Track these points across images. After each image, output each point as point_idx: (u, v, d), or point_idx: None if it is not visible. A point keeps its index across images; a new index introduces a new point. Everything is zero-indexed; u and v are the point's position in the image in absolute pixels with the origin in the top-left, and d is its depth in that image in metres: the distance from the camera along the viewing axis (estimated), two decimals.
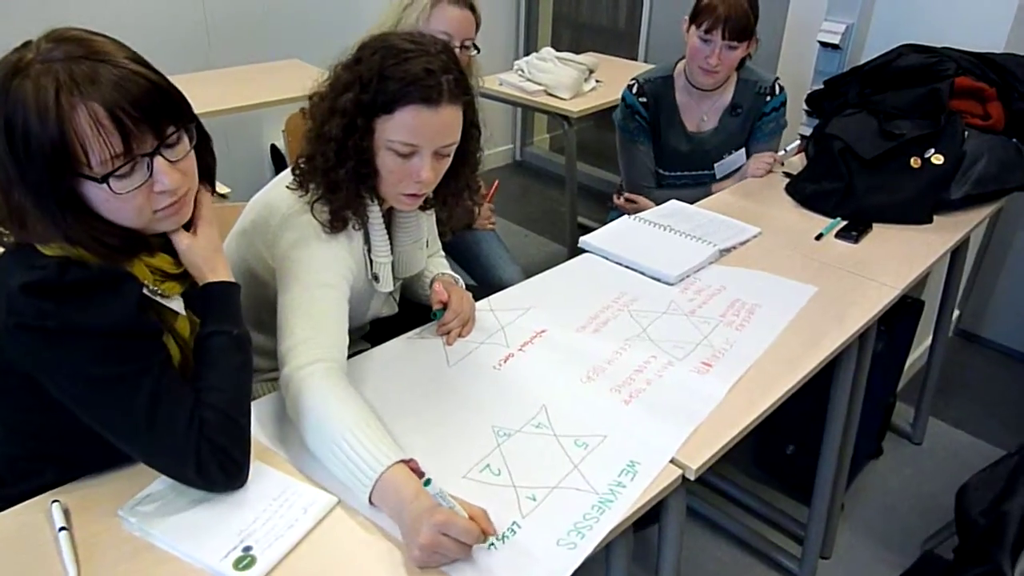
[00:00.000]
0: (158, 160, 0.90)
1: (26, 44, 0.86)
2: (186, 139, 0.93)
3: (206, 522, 0.94)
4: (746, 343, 1.35)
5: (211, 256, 1.03)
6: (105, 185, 0.86)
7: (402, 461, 0.96)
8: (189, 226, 1.01)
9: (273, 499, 0.98)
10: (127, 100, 0.84)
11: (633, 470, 1.06)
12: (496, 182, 2.19)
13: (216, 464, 0.94)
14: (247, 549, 0.91)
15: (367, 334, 1.53)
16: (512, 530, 0.96)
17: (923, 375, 2.38)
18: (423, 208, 1.36)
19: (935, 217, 1.86)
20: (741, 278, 1.58)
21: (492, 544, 0.94)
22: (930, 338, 2.41)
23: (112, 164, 0.85)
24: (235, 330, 1.01)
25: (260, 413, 1.14)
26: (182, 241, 1.00)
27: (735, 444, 1.15)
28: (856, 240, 1.75)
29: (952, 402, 2.54)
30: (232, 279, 1.05)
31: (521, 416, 1.16)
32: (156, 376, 0.92)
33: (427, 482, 0.91)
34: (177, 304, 1.03)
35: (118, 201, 0.88)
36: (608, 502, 1.01)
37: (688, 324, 1.41)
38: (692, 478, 1.08)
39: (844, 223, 1.82)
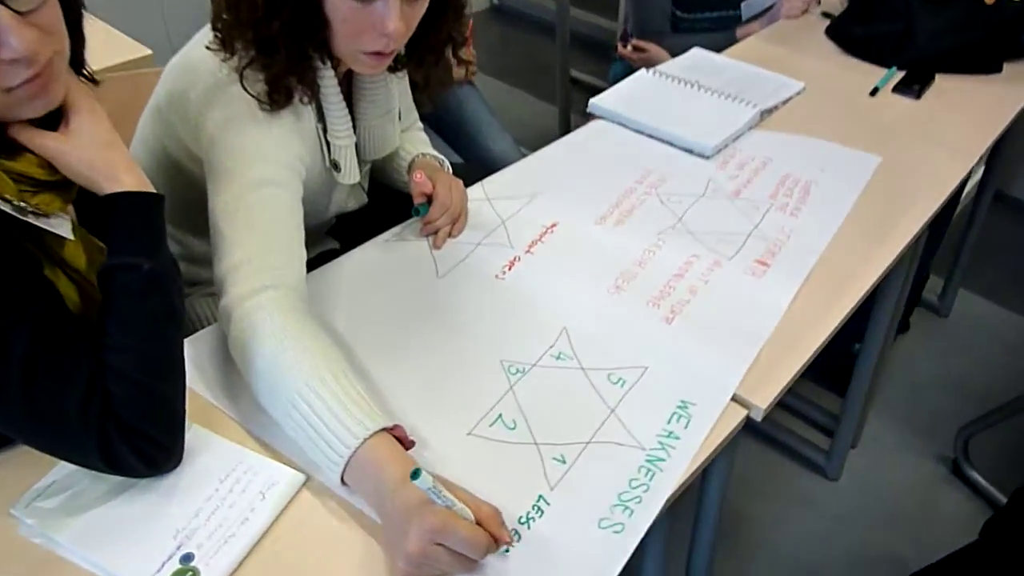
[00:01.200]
0: (1, 12, 0.59)
1: None
2: None
3: (130, 521, 0.70)
4: (805, 233, 1.09)
5: (101, 157, 0.72)
6: None
7: (384, 429, 0.71)
8: (55, 123, 0.70)
9: (220, 481, 0.74)
10: None
11: (686, 413, 0.83)
12: (469, 22, 1.83)
13: (129, 449, 0.68)
14: (187, 559, 0.67)
15: (332, 227, 1.24)
16: (538, 508, 0.73)
17: (956, 241, 2.15)
18: (392, 70, 1.04)
19: (1004, 65, 1.56)
20: (789, 147, 1.29)
21: (515, 532, 0.71)
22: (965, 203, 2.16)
23: None
24: (146, 263, 0.71)
25: (201, 351, 0.87)
26: (46, 143, 0.69)
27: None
28: (918, 95, 1.46)
29: (981, 271, 2.33)
30: (143, 185, 0.74)
31: (537, 344, 0.91)
32: (31, 333, 0.64)
33: (415, 473, 0.63)
34: (62, 226, 0.73)
35: None
36: (659, 460, 0.78)
37: (733, 210, 1.14)
38: (759, 419, 0.85)
39: (902, 74, 1.52)
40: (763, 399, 0.85)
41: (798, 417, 1.87)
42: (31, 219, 0.69)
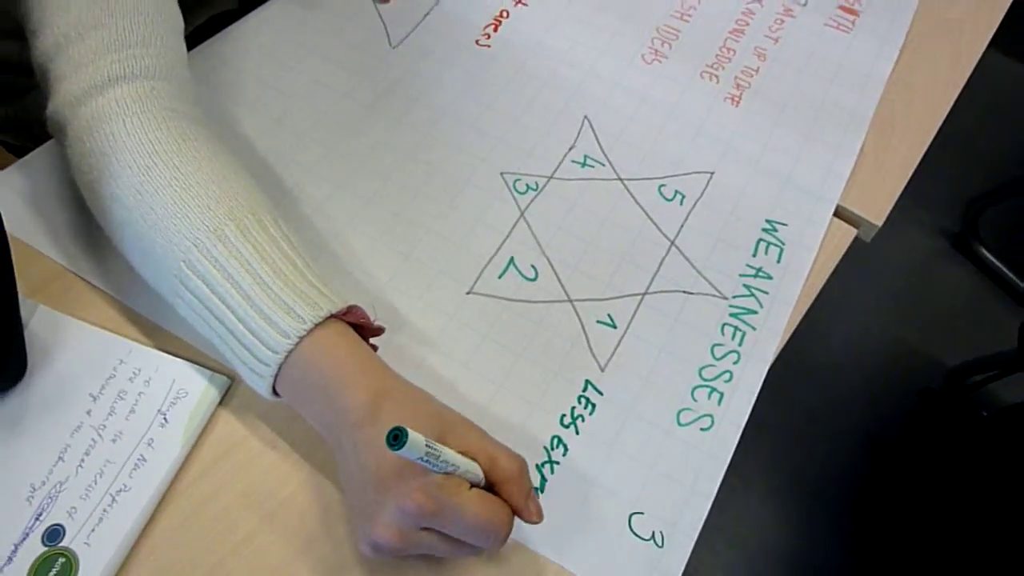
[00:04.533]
0: None
1: None
2: None
3: None
4: None
5: None
6: None
7: (334, 316, 0.43)
8: None
9: (93, 398, 0.47)
10: None
11: (777, 240, 0.58)
12: None
13: None
14: (54, 535, 0.42)
15: None
16: (588, 402, 0.50)
17: None
18: None
19: None
20: None
21: (558, 441, 0.48)
22: None
23: None
24: None
25: (35, 185, 0.56)
26: None
27: None
28: None
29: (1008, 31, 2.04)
30: None
31: (550, 146, 0.62)
32: None
33: (396, 438, 0.34)
34: None
35: None
36: (747, 313, 0.54)
37: None
38: (869, 239, 0.61)
39: None
40: (877, 212, 0.60)
41: None
42: None
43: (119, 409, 0.47)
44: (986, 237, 1.58)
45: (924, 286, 1.56)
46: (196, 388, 0.48)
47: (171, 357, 0.49)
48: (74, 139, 0.48)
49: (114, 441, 0.45)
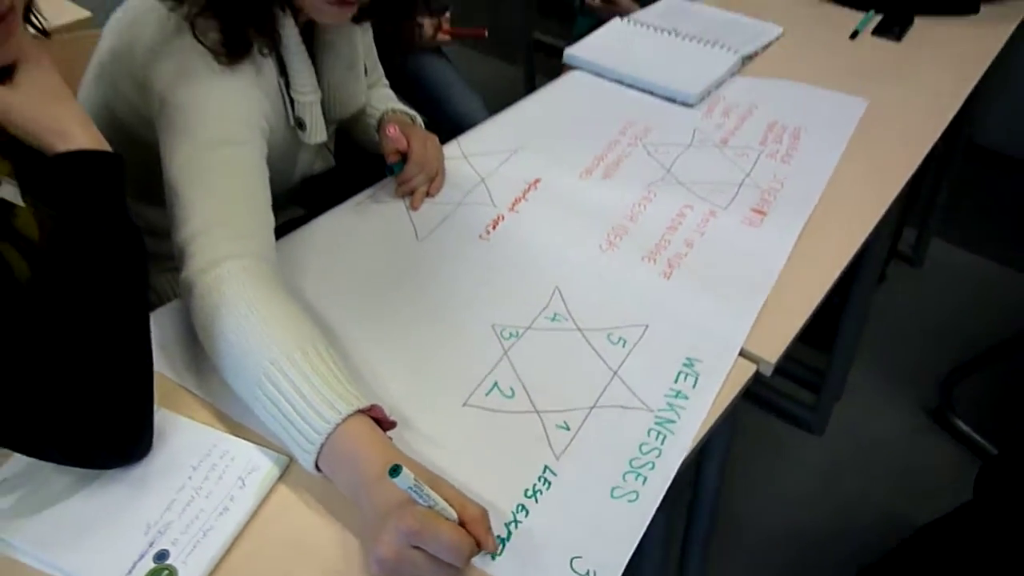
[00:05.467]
0: None
1: None
2: None
3: (96, 518, 0.63)
4: (799, 178, 1.05)
5: (53, 112, 0.63)
6: None
7: (361, 411, 0.64)
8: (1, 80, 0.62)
9: (194, 468, 0.67)
10: None
11: (693, 371, 0.78)
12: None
13: (92, 436, 0.61)
14: (161, 556, 0.61)
15: (297, 194, 1.16)
16: (545, 480, 0.68)
17: (928, 191, 2.14)
18: (356, 21, 0.95)
19: (981, 6, 1.53)
20: (773, 92, 1.24)
21: (521, 507, 0.66)
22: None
23: None
24: (104, 226, 0.63)
25: (164, 330, 0.80)
26: None
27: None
28: (899, 37, 1.42)
29: (953, 220, 2.33)
30: (98, 142, 0.65)
31: (529, 306, 0.85)
32: None
33: (394, 471, 0.54)
34: (10, 192, 0.65)
35: None
36: (669, 423, 0.73)
37: (722, 159, 1.08)
38: (769, 373, 0.81)
39: (880, 17, 1.47)
40: (772, 352, 0.80)
41: (781, 375, 1.85)
42: None
43: (211, 476, 0.66)
44: (962, 410, 1.73)
45: (906, 459, 1.68)
46: (264, 464, 0.67)
47: (247, 442, 0.69)
48: (198, 296, 0.72)
49: (206, 497, 0.65)
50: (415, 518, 0.56)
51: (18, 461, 0.66)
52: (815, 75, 1.29)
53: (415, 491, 0.56)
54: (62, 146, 0.63)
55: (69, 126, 0.64)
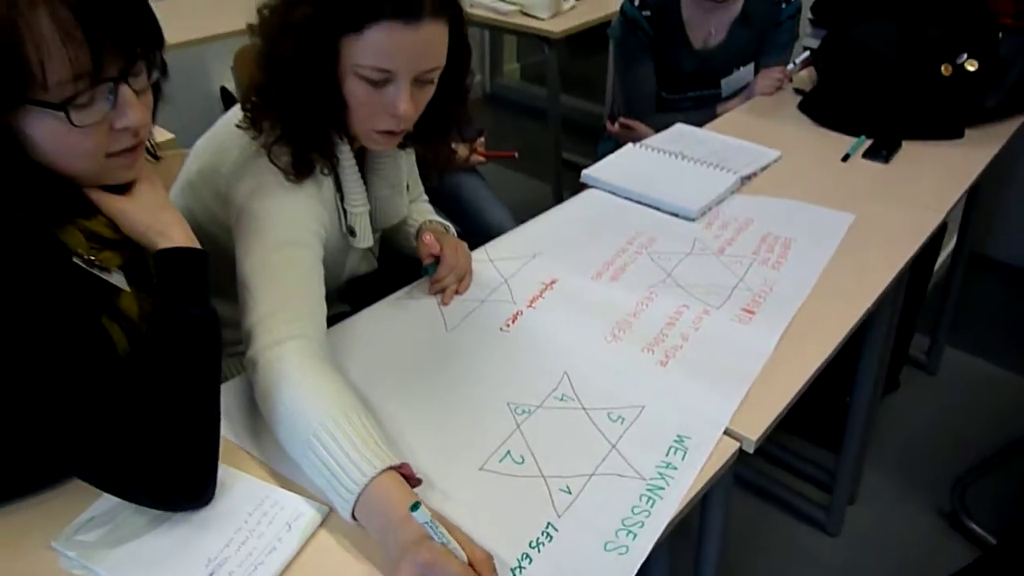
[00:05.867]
0: (125, 89, 0.71)
1: None
2: (146, 69, 0.74)
3: (166, 551, 0.75)
4: (787, 283, 1.17)
5: (159, 217, 0.82)
6: (62, 114, 0.67)
7: (392, 468, 0.77)
8: (118, 191, 0.80)
9: (248, 514, 0.79)
10: (100, 5, 0.65)
11: (682, 446, 0.89)
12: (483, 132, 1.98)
13: (171, 482, 0.74)
14: None
15: (344, 293, 1.32)
16: (548, 534, 0.78)
17: (938, 301, 2.24)
18: (401, 146, 1.14)
19: (966, 131, 1.69)
20: (768, 208, 1.39)
21: (526, 556, 0.76)
22: (942, 260, 2.27)
23: (74, 87, 0.66)
24: (193, 310, 0.79)
25: (227, 401, 0.93)
26: (114, 204, 0.79)
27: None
28: (887, 159, 1.57)
29: (966, 328, 2.41)
30: (191, 242, 0.83)
31: (540, 388, 0.97)
32: (90, 370, 0.71)
33: (415, 506, 0.68)
34: (119, 279, 0.82)
35: (73, 137, 0.69)
36: (659, 489, 0.83)
37: (718, 265, 1.22)
38: (751, 450, 0.91)
39: (870, 141, 1.64)
40: (753, 432, 0.91)
41: (795, 475, 1.91)
42: (96, 271, 0.78)
43: (263, 520, 0.78)
44: (976, 512, 1.76)
45: (921, 562, 1.71)
46: (307, 512, 0.79)
47: (293, 494, 0.81)
48: (261, 370, 0.87)
49: (259, 537, 0.76)
50: (430, 552, 0.67)
51: (104, 502, 0.79)
52: (808, 194, 1.43)
53: (431, 527, 0.67)
54: (164, 243, 0.80)
55: (171, 229, 0.81)
